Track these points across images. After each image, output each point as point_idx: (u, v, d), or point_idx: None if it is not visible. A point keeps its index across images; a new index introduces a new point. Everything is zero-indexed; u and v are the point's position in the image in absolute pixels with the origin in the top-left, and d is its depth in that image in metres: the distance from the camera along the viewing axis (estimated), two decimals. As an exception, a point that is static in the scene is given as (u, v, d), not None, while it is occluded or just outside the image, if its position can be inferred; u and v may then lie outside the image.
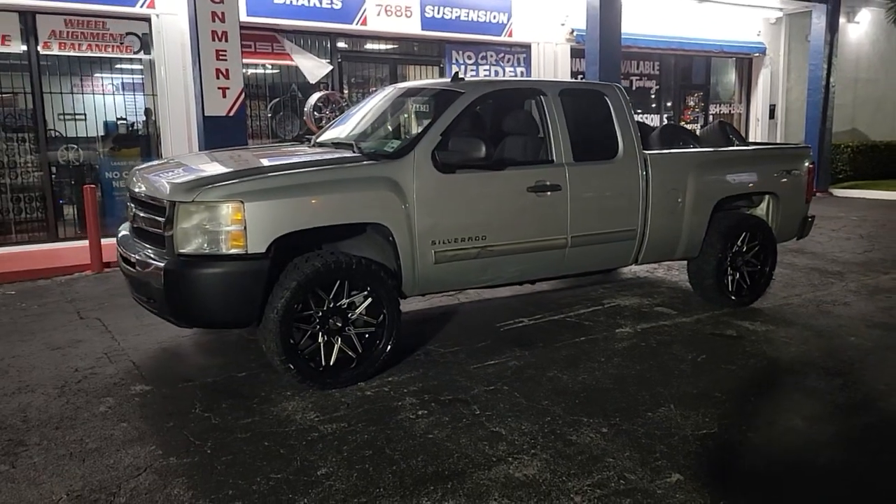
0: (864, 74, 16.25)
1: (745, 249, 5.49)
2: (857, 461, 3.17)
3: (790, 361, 4.47)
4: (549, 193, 4.55)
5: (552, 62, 12.20)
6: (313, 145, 5.00)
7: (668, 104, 14.12)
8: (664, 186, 5.01)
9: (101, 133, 8.98)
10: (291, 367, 3.83)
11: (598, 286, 6.24)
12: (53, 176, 8.65)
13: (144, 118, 9.21)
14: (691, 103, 14.39)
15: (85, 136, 8.84)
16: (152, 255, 3.94)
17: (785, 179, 5.60)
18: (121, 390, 3.99)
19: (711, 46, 13.66)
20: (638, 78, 13.66)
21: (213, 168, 4.40)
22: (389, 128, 5.53)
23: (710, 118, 14.34)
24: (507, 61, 12.00)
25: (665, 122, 13.71)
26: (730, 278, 5.44)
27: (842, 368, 4.29)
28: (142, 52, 8.89)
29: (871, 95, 16.55)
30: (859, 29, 16.01)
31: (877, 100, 16.71)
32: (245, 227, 3.68)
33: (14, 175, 8.44)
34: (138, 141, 9.34)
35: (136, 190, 4.30)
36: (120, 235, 4.55)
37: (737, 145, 5.88)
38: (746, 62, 14.85)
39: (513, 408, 3.67)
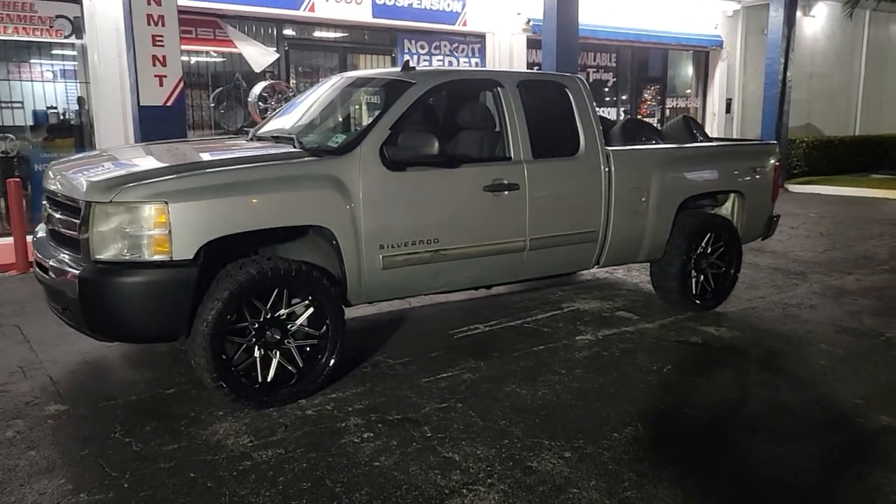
0: (820, 69, 16.41)
1: (709, 251, 5.29)
2: (838, 485, 2.97)
3: (760, 372, 4.28)
4: (506, 193, 4.26)
5: (507, 53, 11.93)
6: (252, 139, 4.60)
7: (625, 97, 14.01)
8: (627, 185, 4.77)
9: (31, 122, 8.38)
10: (223, 385, 3.46)
11: (556, 289, 5.99)
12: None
13: (77, 107, 8.62)
14: (648, 96, 14.31)
15: (12, 125, 8.22)
16: (68, 262, 3.52)
17: (751, 177, 5.43)
18: (33, 411, 3.57)
19: (669, 39, 13.57)
20: (595, 70, 13.49)
21: (138, 164, 3.99)
22: (336, 121, 5.17)
23: (668, 112, 14.29)
24: (462, 52, 11.68)
25: (622, 115, 13.59)
26: (693, 281, 5.24)
27: (814, 379, 4.11)
28: (73, 36, 8.28)
29: (826, 90, 16.74)
30: (815, 23, 16.15)
31: (831, 95, 16.92)
32: (170, 231, 3.29)
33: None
34: (71, 131, 8.75)
35: (52, 188, 3.87)
36: (36, 237, 4.11)
37: (701, 141, 5.68)
38: (703, 55, 14.82)
39: (467, 429, 3.38)
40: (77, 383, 3.97)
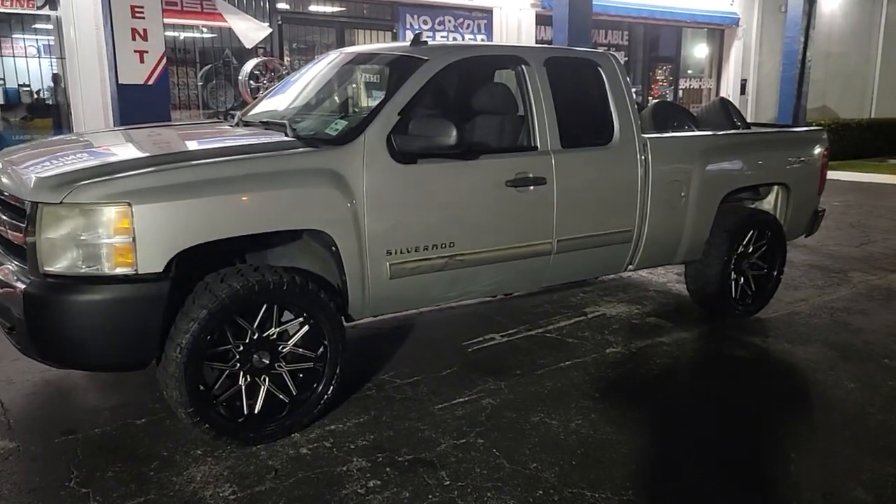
0: (837, 48, 15.76)
1: (750, 250, 4.73)
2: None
3: (825, 397, 3.71)
4: (531, 188, 3.68)
5: (515, 29, 11.28)
6: (237, 123, 4.00)
7: (636, 77, 13.37)
8: (666, 177, 4.19)
9: (1, 101, 7.75)
10: (201, 420, 2.91)
11: (576, 290, 5.42)
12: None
13: (52, 85, 7.99)
14: (660, 77, 13.67)
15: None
16: (14, 273, 2.94)
17: (797, 168, 4.85)
18: (-25, 449, 3.02)
19: (683, 16, 12.91)
20: (606, 48, 12.83)
21: (101, 154, 3.40)
22: (334, 104, 4.56)
23: (680, 93, 13.66)
24: (467, 27, 11.03)
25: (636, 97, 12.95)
26: (733, 284, 4.69)
27: (889, 406, 3.57)
28: (47, 6, 7.62)
29: (842, 71, 16.10)
30: (833, 0, 15.47)
31: (847, 76, 16.29)
32: (134, 239, 2.70)
33: None
34: (49, 111, 8.15)
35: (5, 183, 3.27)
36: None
37: (740, 127, 5.10)
38: (718, 34, 14.17)
39: (492, 474, 2.83)
40: (32, 411, 3.40)
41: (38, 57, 7.86)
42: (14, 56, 7.69)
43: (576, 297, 5.26)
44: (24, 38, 7.82)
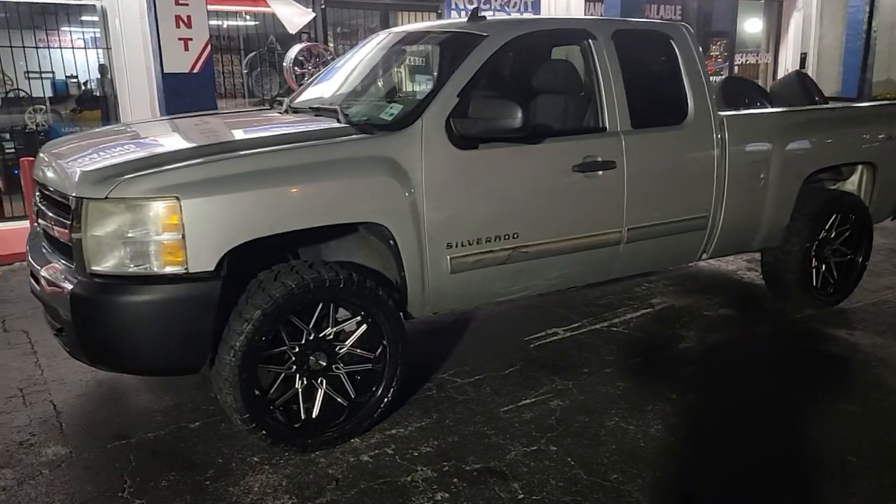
0: (903, 18, 14.86)
1: (833, 235, 4.37)
2: None
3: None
4: (600, 173, 3.41)
5: (564, 5, 10.86)
6: (286, 110, 3.81)
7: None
8: (744, 158, 3.87)
9: (50, 94, 7.74)
10: (257, 427, 2.74)
11: (640, 279, 5.11)
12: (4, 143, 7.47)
13: (99, 76, 7.95)
14: (715, 52, 13.06)
15: (35, 95, 7.60)
16: (62, 272, 2.81)
17: (884, 144, 4.46)
18: (28, 456, 2.90)
19: (739, -12, 12.29)
20: (657, 24, 12.31)
21: (148, 145, 3.26)
22: (385, 88, 4.34)
23: (736, 69, 13.05)
24: (513, 5, 10.65)
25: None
26: (815, 272, 4.34)
27: None
28: (92, -3, 7.57)
29: (907, 42, 15.19)
30: (898, -33, 14.57)
31: (912, 47, 15.36)
32: (184, 236, 2.54)
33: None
34: (97, 102, 8.11)
35: (42, 178, 3.15)
36: (30, 239, 3.42)
37: (819, 102, 4.71)
38: (776, 5, 13.46)
39: (569, 486, 2.60)
40: (85, 413, 3.30)
41: (85, 48, 7.81)
42: (61, 48, 7.65)
43: (640, 287, 4.97)
44: (70, 30, 7.78)
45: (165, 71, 6.45)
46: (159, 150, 3.12)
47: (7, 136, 7.59)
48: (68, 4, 7.54)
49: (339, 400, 2.93)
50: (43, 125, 7.67)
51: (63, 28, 7.79)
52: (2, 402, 3.37)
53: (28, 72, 7.43)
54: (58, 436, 3.06)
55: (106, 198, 2.54)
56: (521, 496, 2.55)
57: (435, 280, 3.10)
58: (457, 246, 3.11)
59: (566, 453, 2.82)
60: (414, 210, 2.97)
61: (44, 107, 7.74)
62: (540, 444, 2.89)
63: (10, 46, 7.20)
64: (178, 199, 2.53)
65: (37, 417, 3.22)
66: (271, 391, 2.82)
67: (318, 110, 3.57)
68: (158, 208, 2.54)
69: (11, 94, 7.59)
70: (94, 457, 2.89)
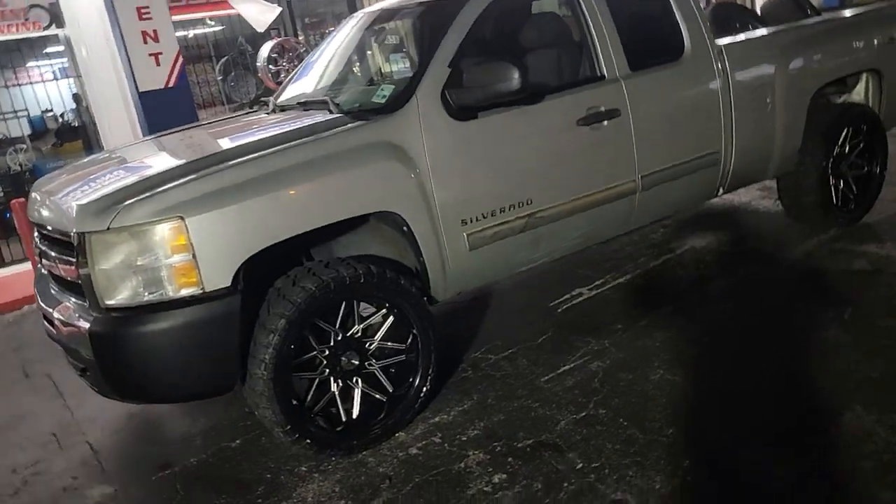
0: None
1: (847, 150, 4.26)
2: None
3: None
4: (605, 123, 3.30)
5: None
6: (273, 110, 3.69)
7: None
8: (749, 85, 3.75)
9: (29, 131, 7.62)
10: (300, 437, 2.68)
11: (655, 226, 4.98)
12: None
13: (75, 106, 7.82)
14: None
15: (10, 136, 7.48)
16: (75, 311, 2.73)
17: (888, 48, 4.32)
18: (74, 500, 2.85)
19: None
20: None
21: (139, 167, 3.15)
22: (370, 71, 4.22)
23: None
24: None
25: None
26: (833, 190, 4.23)
27: None
28: (53, 26, 7.38)
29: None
30: None
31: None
32: (194, 255, 2.45)
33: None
34: (76, 133, 8.00)
35: (38, 218, 3.05)
36: (36, 281, 3.33)
37: (812, 15, 4.57)
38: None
39: (627, 447, 2.54)
40: (123, 450, 3.24)
41: (56, 80, 7.69)
42: (31, 83, 7.51)
43: (656, 234, 4.87)
44: (38, 64, 7.65)
45: (141, 90, 6.32)
46: (152, 171, 3.00)
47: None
48: (31, 38, 7.37)
49: (377, 396, 2.86)
50: (27, 164, 7.56)
51: (30, 63, 7.65)
52: (38, 448, 3.31)
53: (1, 113, 7.29)
54: (100, 476, 3.01)
55: (108, 229, 2.45)
56: (580, 465, 2.48)
57: (455, 260, 3.01)
58: (472, 221, 3.01)
59: (617, 414, 2.75)
60: (422, 191, 2.87)
61: (24, 145, 7.63)
62: (588, 410, 2.82)
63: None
64: (181, 218, 2.44)
65: (76, 460, 3.16)
66: (308, 398, 2.74)
67: (306, 105, 3.46)
68: (164, 231, 2.44)
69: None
70: (141, 492, 2.84)
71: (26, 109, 7.57)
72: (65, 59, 7.69)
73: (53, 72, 7.85)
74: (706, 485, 2.31)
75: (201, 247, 2.46)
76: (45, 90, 7.61)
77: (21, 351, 4.81)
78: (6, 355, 4.79)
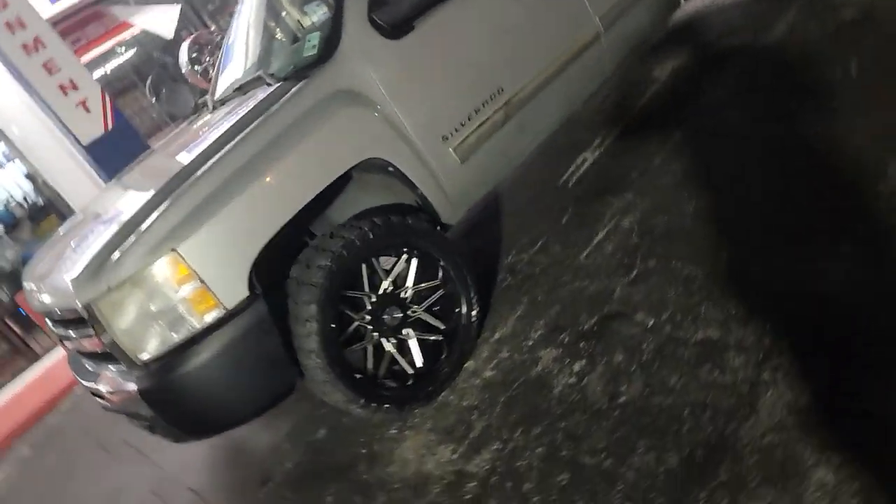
0: None
1: None
2: None
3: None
4: (543, -19, 3.10)
5: None
6: (214, 108, 3.53)
7: None
8: None
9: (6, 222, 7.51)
10: (377, 406, 2.66)
11: (630, 66, 4.77)
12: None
13: (32, 183, 7.65)
14: None
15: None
16: (117, 377, 2.69)
17: None
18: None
19: None
20: None
21: (112, 216, 3.03)
22: (289, 28, 3.98)
23: None
24: None
25: None
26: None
27: None
28: (-27, 116, 7.15)
29: None
30: None
31: None
32: (202, 280, 2.37)
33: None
34: (45, 209, 7.87)
35: (40, 307, 2.98)
36: (69, 361, 3.29)
37: None
38: None
39: (689, 287, 2.47)
40: (221, 482, 3.28)
41: (2, 167, 7.51)
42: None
43: (634, 73, 4.65)
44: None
45: (85, 143, 6.13)
46: (126, 216, 2.86)
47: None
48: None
49: (432, 339, 2.82)
50: (16, 258, 7.47)
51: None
52: (145, 513, 3.37)
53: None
54: (212, 513, 3.05)
55: (108, 289, 2.36)
56: (651, 322, 2.44)
57: (451, 179, 2.90)
58: (452, 134, 2.89)
59: (667, 260, 2.68)
60: (391, 124, 2.74)
61: (4, 239, 7.53)
62: (637, 267, 2.75)
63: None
64: (173, 250, 2.35)
65: (183, 507, 3.21)
66: (369, 366, 2.71)
67: (243, 89, 3.28)
68: (162, 269, 2.36)
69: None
70: (254, 512, 2.88)
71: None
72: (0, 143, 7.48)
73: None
74: (780, 296, 2.25)
75: (205, 269, 2.38)
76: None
77: (91, 430, 4.86)
78: (79, 439, 4.86)
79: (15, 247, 7.42)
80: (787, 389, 1.94)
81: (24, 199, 7.74)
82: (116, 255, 2.36)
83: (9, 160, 7.67)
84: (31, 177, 7.60)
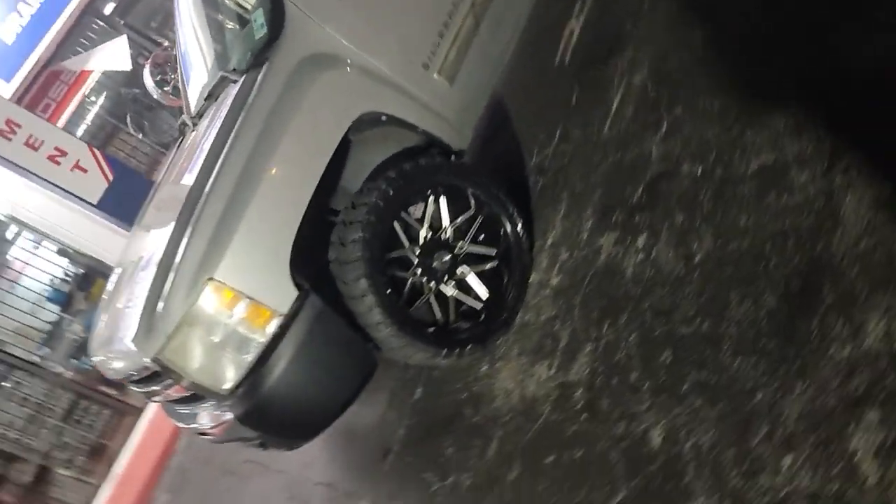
0: None
1: None
2: None
3: None
4: None
5: None
6: (193, 124, 3.43)
7: None
8: None
9: (55, 317, 7.69)
10: (460, 352, 2.62)
11: None
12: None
13: (68, 259, 7.79)
14: None
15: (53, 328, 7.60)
16: (211, 412, 2.73)
17: None
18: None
19: None
20: None
21: (147, 263, 3.01)
22: (235, 17, 3.80)
23: None
24: None
25: None
26: None
27: None
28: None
29: None
30: None
31: None
32: (249, 296, 2.35)
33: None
34: (91, 276, 8.03)
35: (114, 373, 3.03)
36: (163, 406, 3.37)
37: None
38: None
39: (723, 120, 2.31)
40: (345, 469, 3.36)
41: (36, 251, 7.66)
42: (21, 273, 7.54)
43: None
44: (9, 256, 7.62)
45: (95, 203, 6.13)
46: (157, 256, 2.86)
47: (75, 361, 7.65)
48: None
49: (489, 266, 2.75)
50: (82, 329, 7.68)
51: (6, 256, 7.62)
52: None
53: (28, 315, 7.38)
54: (350, 496, 3.12)
55: (168, 338, 2.36)
56: (699, 169, 2.29)
57: (446, 104, 2.79)
58: (430, 60, 2.75)
59: (692, 101, 2.49)
60: (367, 73, 2.63)
61: (66, 318, 7.73)
62: (665, 120, 2.57)
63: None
64: (211, 278, 2.32)
65: (324, 500, 3.29)
66: (438, 318, 2.67)
67: (210, 96, 3.17)
68: (209, 300, 2.34)
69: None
70: (388, 483, 2.93)
71: (37, 292, 7.64)
72: (23, 232, 7.59)
73: (29, 249, 7.81)
74: (824, 91, 2.07)
75: (247, 285, 2.35)
76: (38, 267, 7.59)
77: (211, 460, 5.05)
78: (205, 471, 5.06)
79: (77, 320, 7.61)
80: (865, 187, 1.81)
81: (66, 274, 7.89)
82: (161, 305, 2.34)
83: (37, 244, 7.80)
84: (63, 251, 7.71)
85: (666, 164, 2.45)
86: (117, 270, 4.12)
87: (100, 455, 6.66)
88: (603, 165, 2.77)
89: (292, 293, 2.39)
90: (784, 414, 1.71)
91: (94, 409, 6.73)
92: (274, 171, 2.46)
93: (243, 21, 3.74)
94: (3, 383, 6.52)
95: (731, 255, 2.04)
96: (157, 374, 2.59)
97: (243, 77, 2.70)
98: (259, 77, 2.59)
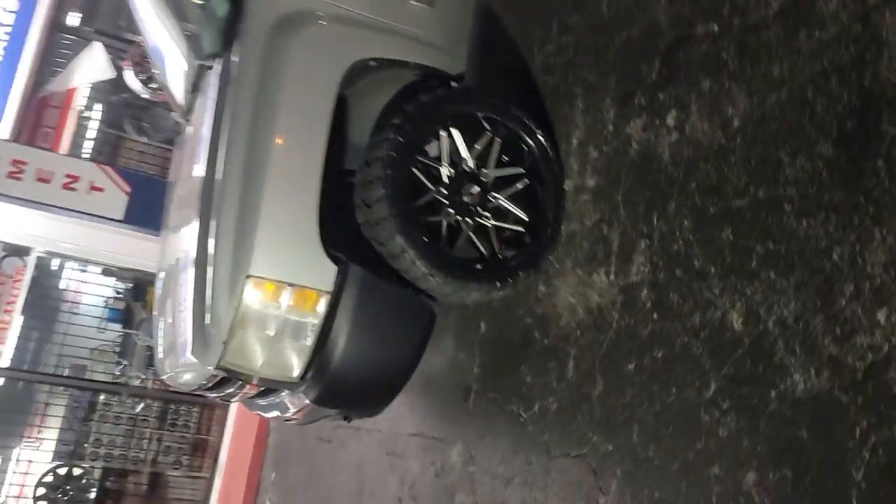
0: None
1: None
2: None
3: None
4: None
5: None
6: (186, 118, 3.33)
7: None
8: None
9: (118, 328, 7.90)
10: (512, 280, 2.54)
11: None
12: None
13: (112, 276, 7.93)
14: None
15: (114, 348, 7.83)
16: (291, 401, 2.76)
17: None
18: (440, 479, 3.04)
19: None
20: None
21: (182, 268, 2.99)
22: (194, 9, 3.62)
23: None
24: None
25: None
26: None
27: None
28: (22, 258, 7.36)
29: None
30: None
31: None
32: (291, 283, 2.32)
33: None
34: (139, 288, 8.20)
35: (185, 386, 3.07)
36: (245, 405, 3.43)
37: None
38: None
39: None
40: (434, 416, 3.36)
41: (82, 277, 7.82)
42: (78, 303, 7.74)
43: None
44: (65, 281, 7.83)
45: (122, 218, 6.15)
46: (192, 254, 2.83)
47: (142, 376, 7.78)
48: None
49: (519, 186, 2.63)
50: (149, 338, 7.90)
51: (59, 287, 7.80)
52: (416, 456, 3.44)
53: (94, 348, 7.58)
54: (443, 438, 3.14)
55: (225, 344, 2.35)
56: (716, 27, 2.11)
57: (431, 29, 2.70)
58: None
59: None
60: (343, 21, 2.50)
61: (130, 333, 7.92)
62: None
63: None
64: (248, 276, 2.28)
65: (417, 459, 3.32)
66: (483, 251, 2.59)
67: (195, 87, 3.05)
68: (252, 297, 2.32)
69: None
70: (476, 420, 2.93)
71: (99, 317, 7.84)
72: (63, 264, 7.73)
73: (76, 279, 7.98)
74: None
75: (285, 272, 2.32)
76: (89, 293, 7.77)
77: (306, 431, 5.14)
78: (302, 443, 5.22)
79: (141, 334, 7.80)
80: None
81: (116, 291, 8.04)
82: (208, 316, 2.32)
83: (83, 269, 7.94)
84: (107, 271, 7.84)
85: (678, 29, 2.26)
86: (160, 276, 4.15)
87: (203, 450, 6.94)
88: (611, 48, 2.58)
89: (331, 269, 2.34)
90: (868, 267, 1.60)
91: (184, 410, 6.96)
92: (278, 150, 2.38)
93: (203, 8, 3.59)
94: (96, 409, 6.78)
95: (771, 110, 1.89)
96: (227, 380, 2.60)
97: (213, 56, 2.58)
98: (234, 57, 2.47)
